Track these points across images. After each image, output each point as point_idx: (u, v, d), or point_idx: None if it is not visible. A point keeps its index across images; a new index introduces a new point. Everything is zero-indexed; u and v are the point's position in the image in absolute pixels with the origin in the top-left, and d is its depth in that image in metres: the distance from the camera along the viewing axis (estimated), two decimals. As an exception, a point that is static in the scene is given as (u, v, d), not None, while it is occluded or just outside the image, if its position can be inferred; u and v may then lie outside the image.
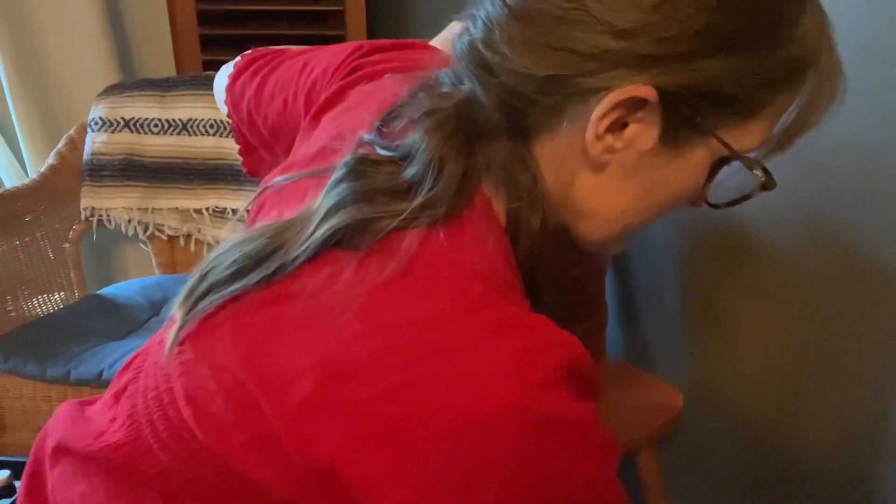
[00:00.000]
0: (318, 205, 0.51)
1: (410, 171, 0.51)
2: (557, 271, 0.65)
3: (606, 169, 0.53)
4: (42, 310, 1.52)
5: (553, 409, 0.45)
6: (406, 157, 0.52)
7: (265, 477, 0.49)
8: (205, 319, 0.52)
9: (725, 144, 0.53)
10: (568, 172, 0.54)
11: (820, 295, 0.98)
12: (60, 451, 0.59)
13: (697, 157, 0.54)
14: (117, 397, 0.59)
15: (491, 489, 0.45)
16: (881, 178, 0.88)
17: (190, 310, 0.52)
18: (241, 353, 0.50)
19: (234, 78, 0.80)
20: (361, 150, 0.54)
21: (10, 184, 1.72)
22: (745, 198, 0.59)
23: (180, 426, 0.52)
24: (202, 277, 0.52)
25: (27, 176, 1.73)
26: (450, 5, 1.90)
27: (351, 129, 0.58)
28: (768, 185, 0.58)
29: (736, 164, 0.56)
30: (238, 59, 0.82)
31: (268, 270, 0.50)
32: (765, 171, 0.57)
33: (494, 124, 0.53)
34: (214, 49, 1.86)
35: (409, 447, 0.44)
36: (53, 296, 1.56)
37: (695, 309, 1.20)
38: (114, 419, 0.57)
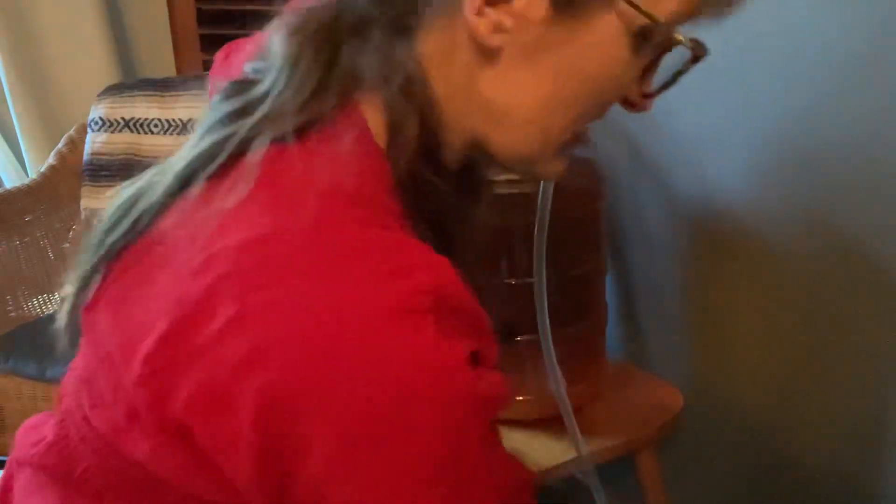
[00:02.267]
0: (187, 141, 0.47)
1: (264, 84, 0.46)
2: (472, 219, 0.55)
3: (502, 56, 0.46)
4: (42, 310, 1.52)
5: (403, 342, 0.38)
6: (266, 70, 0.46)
7: (145, 459, 0.44)
8: (97, 290, 0.46)
9: (632, 4, 0.45)
10: (462, 71, 0.46)
11: (820, 295, 0.98)
12: (19, 464, 0.55)
13: (606, 28, 0.46)
14: (61, 397, 0.55)
15: (326, 435, 0.38)
16: (881, 178, 0.88)
17: (79, 282, 0.47)
18: (109, 318, 0.45)
19: (212, 73, 0.77)
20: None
21: (10, 184, 1.72)
22: (678, 74, 0.50)
23: (84, 413, 0.48)
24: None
25: (27, 176, 1.73)
26: (450, 5, 1.85)
27: None
28: (699, 52, 0.50)
29: (671, 47, 0.49)
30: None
31: (132, 219, 0.45)
32: (692, 40, 0.49)
33: (365, 19, 0.46)
34: (214, 49, 1.84)
35: (246, 397, 0.38)
36: (53, 296, 1.56)
37: (695, 309, 1.20)
38: (55, 421, 0.54)
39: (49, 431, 0.52)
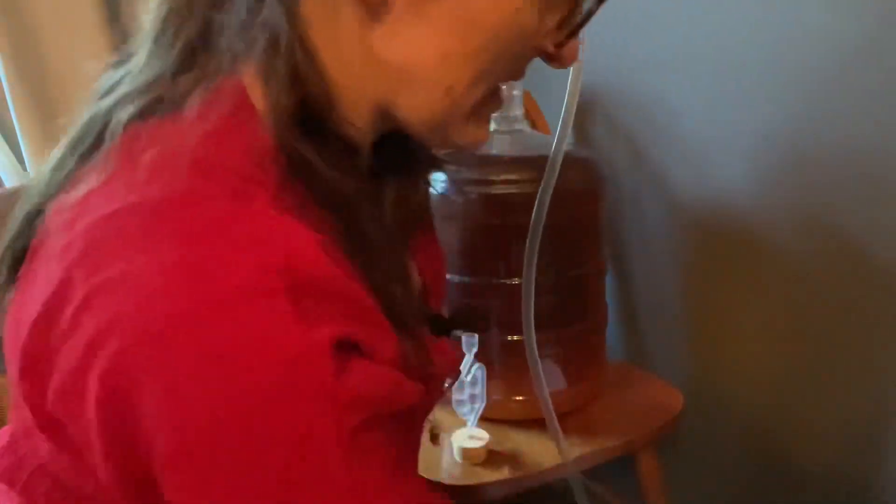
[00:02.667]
0: None
1: (133, 59, 0.43)
2: (391, 202, 0.51)
3: (391, 11, 0.42)
4: (42, 309, 1.52)
5: (247, 325, 0.34)
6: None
7: (48, 461, 0.42)
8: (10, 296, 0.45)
9: None
10: (350, 32, 0.43)
11: (820, 295, 0.98)
12: None
13: None
14: None
15: (162, 430, 0.35)
16: (881, 178, 0.88)
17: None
18: (9, 319, 0.43)
19: None
20: None
21: (10, 184, 1.72)
22: (586, 17, 0.48)
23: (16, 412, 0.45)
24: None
25: (27, 176, 1.72)
26: (450, 5, 1.85)
27: None
28: None
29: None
30: None
31: (23, 217, 0.44)
32: None
33: None
34: (214, 49, 1.85)
35: (91, 384, 0.35)
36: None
37: (695, 309, 1.20)
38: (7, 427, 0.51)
39: (4, 435, 0.50)
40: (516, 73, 0.49)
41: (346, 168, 0.43)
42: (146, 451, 0.35)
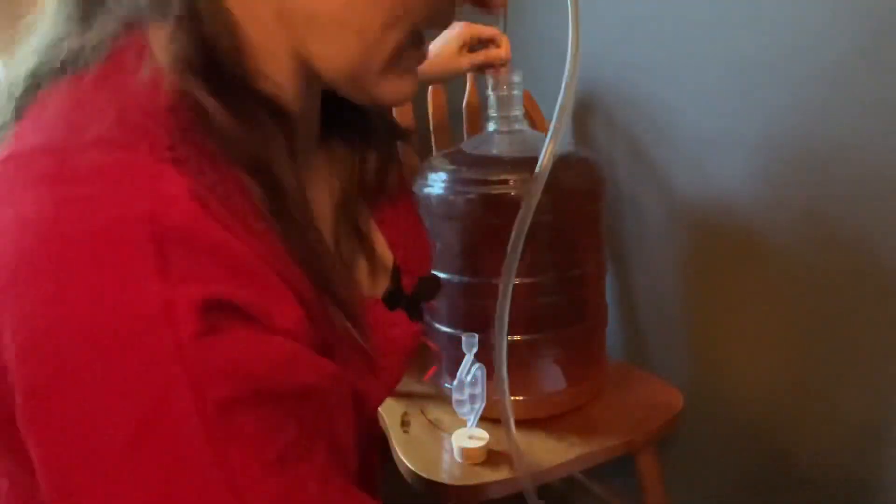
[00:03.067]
0: None
1: (40, 23, 0.43)
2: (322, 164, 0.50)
3: None
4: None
5: (100, 274, 0.32)
6: None
7: None
8: None
9: None
10: None
11: (820, 295, 0.98)
12: None
13: None
14: None
15: (19, 377, 0.33)
16: (881, 178, 0.88)
17: None
18: None
19: None
20: None
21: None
22: None
23: None
24: None
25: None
26: (450, 5, 1.84)
27: None
28: None
29: None
30: None
31: None
32: None
33: None
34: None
35: None
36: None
37: (695, 309, 1.20)
38: None
39: None
40: (439, 18, 0.47)
41: (259, 126, 0.42)
42: (10, 405, 0.34)
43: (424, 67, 1.09)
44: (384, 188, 0.58)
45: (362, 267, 0.55)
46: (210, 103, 0.39)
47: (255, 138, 0.41)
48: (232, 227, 0.36)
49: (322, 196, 0.54)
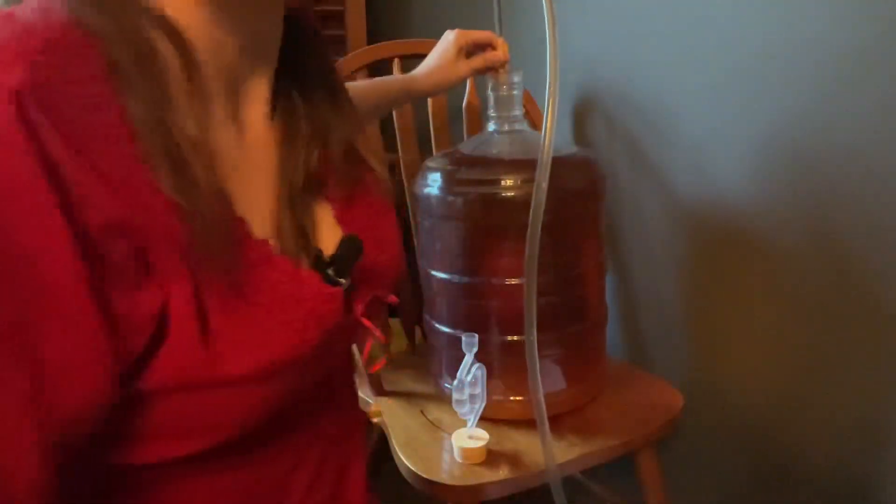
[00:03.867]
0: None
1: None
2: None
3: None
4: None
5: None
6: None
7: None
8: None
9: None
10: None
11: (820, 295, 0.98)
12: None
13: None
14: None
15: None
16: (881, 179, 0.88)
17: None
18: None
19: None
20: None
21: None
22: None
23: None
24: None
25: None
26: (449, 5, 1.91)
27: None
28: None
29: None
30: None
31: None
32: None
33: None
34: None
35: None
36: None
37: (695, 309, 1.20)
38: None
39: None
40: None
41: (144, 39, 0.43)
42: None
43: (425, 79, 1.08)
44: (342, 182, 0.58)
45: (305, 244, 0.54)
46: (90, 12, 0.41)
47: (127, 46, 0.42)
48: (51, 142, 0.37)
49: (262, 173, 0.54)
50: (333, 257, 0.55)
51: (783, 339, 1.05)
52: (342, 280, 0.54)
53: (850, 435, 0.98)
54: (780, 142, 0.99)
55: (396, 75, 1.02)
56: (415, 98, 1.05)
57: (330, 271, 0.53)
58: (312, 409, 0.57)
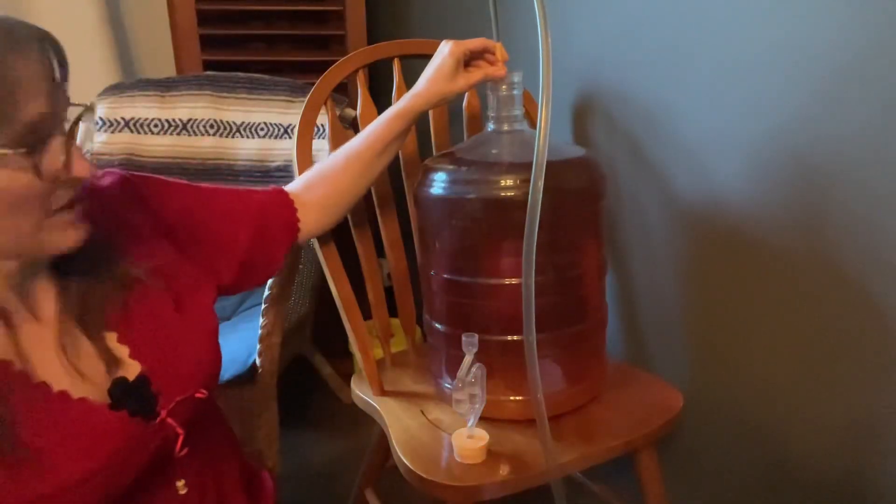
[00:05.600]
0: None
1: None
2: None
3: None
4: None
5: None
6: None
7: None
8: None
9: None
10: None
11: (820, 295, 0.98)
12: None
13: None
14: None
15: None
16: (881, 179, 0.88)
17: None
18: None
19: None
20: None
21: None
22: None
23: None
24: None
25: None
26: (449, 5, 1.90)
27: None
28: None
29: None
30: None
31: None
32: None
33: None
34: (214, 49, 1.86)
35: None
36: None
37: (695, 309, 1.20)
38: None
39: None
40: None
41: None
42: None
43: (422, 97, 1.08)
44: (101, 308, 0.69)
45: (99, 376, 0.67)
46: None
47: None
48: None
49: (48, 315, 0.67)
50: (124, 387, 0.67)
51: (783, 339, 1.05)
52: (128, 401, 0.67)
53: (850, 435, 0.98)
54: (779, 142, 0.99)
55: (390, 108, 1.00)
56: (417, 119, 1.03)
57: (119, 395, 0.67)
58: (153, 482, 0.72)
